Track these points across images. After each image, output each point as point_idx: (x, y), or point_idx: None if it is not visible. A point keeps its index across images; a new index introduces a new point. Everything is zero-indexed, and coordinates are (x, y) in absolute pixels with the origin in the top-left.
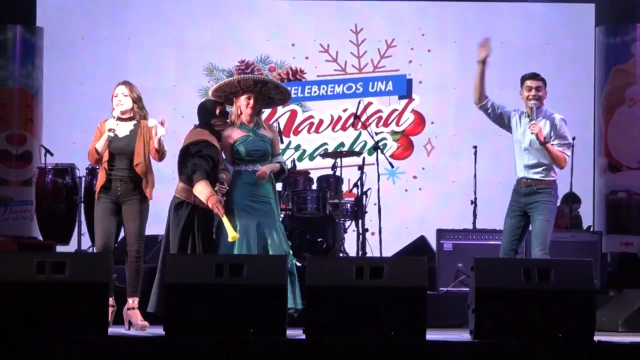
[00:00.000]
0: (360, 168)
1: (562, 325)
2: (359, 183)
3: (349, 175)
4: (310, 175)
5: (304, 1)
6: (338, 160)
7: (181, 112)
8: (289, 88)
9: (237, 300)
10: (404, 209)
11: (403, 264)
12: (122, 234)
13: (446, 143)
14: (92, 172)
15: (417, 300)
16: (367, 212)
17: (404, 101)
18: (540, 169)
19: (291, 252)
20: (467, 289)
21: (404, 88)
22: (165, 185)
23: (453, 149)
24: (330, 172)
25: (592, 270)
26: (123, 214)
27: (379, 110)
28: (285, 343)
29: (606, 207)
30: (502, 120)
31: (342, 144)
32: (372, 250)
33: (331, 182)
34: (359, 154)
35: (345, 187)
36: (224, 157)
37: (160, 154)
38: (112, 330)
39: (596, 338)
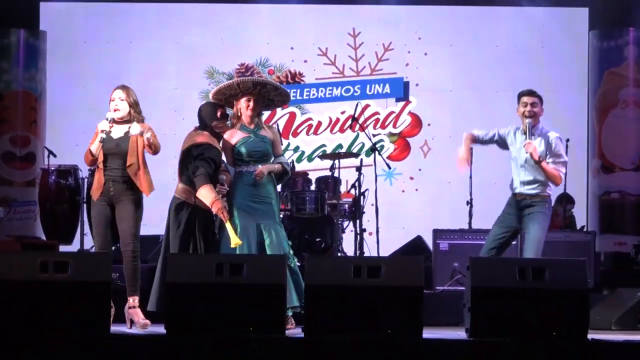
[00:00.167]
0: (358, 169)
1: (557, 324)
2: (356, 184)
3: (346, 176)
4: (309, 176)
5: (302, 5)
6: (336, 161)
7: (182, 115)
8: (288, 90)
9: (237, 300)
10: (401, 210)
11: (400, 264)
12: None
13: (442, 145)
14: (94, 173)
15: (414, 299)
16: (364, 212)
17: (401, 103)
18: (535, 185)
19: (292, 252)
20: (463, 288)
21: (401, 90)
22: (165, 186)
23: (449, 150)
24: (328, 173)
25: (585, 269)
26: (116, 214)
27: (377, 113)
28: (284, 341)
29: (600, 208)
30: (499, 144)
31: (340, 146)
32: (369, 250)
33: (329, 183)
34: (356, 155)
35: (343, 188)
36: (224, 158)
37: (154, 149)
38: (114, 328)
39: (590, 336)
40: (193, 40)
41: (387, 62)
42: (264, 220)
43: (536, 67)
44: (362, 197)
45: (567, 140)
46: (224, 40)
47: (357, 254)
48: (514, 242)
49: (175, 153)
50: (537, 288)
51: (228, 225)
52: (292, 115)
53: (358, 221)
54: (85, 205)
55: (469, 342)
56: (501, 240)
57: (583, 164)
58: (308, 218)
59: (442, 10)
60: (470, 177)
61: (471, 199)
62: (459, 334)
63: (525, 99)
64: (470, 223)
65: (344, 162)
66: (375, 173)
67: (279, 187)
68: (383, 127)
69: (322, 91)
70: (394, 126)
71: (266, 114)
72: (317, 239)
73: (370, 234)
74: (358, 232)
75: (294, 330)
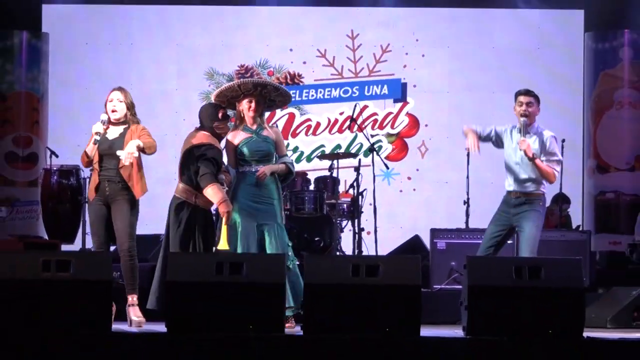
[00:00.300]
0: (356, 169)
1: (552, 322)
2: (355, 184)
3: (345, 176)
4: (308, 177)
5: (301, 8)
6: (335, 161)
7: (182, 115)
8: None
9: (237, 298)
10: (399, 209)
11: (398, 263)
12: None
13: (439, 145)
14: None
15: (411, 298)
16: (362, 212)
17: (399, 104)
18: (530, 183)
19: (292, 253)
20: (460, 287)
21: (398, 92)
22: (165, 186)
23: (446, 150)
24: (327, 173)
25: (581, 268)
26: (112, 213)
27: (375, 114)
28: (283, 339)
29: (595, 207)
30: (498, 142)
31: (338, 146)
32: (367, 249)
33: (328, 183)
34: (355, 155)
35: (341, 188)
36: (224, 159)
37: (150, 151)
38: (115, 327)
39: (585, 334)
40: (193, 42)
41: (385, 63)
42: (265, 221)
43: (532, 69)
44: (360, 197)
45: (563, 141)
46: (223, 41)
47: (356, 253)
48: (510, 242)
49: (176, 153)
50: (533, 287)
51: (224, 230)
52: (291, 116)
53: (356, 221)
54: (86, 205)
55: (466, 340)
56: (497, 239)
57: (579, 165)
58: (307, 217)
59: (439, 12)
60: (467, 177)
61: (468, 199)
62: (456, 332)
63: (521, 98)
64: (467, 222)
65: (343, 162)
66: (374, 173)
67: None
68: (381, 127)
69: (320, 92)
70: (392, 127)
71: (265, 115)
72: (316, 238)
73: (369, 233)
74: (356, 231)
75: (294, 329)
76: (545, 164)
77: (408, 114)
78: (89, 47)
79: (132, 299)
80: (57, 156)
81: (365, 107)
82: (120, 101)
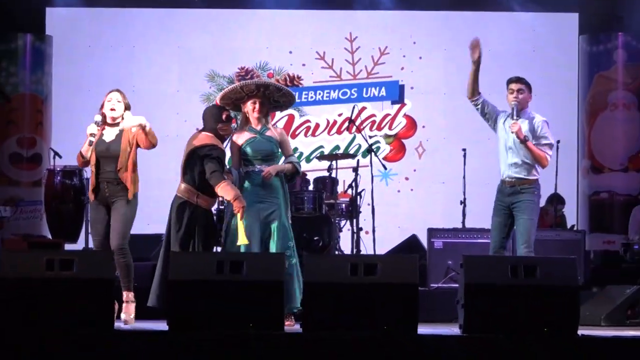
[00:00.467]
0: (355, 170)
1: (548, 320)
2: (353, 184)
3: (344, 177)
4: (307, 177)
5: (301, 11)
6: (333, 162)
7: (184, 117)
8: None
9: (237, 296)
10: (397, 209)
11: (395, 262)
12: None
13: (436, 146)
14: None
15: (409, 296)
16: (361, 212)
17: (397, 106)
18: (522, 168)
19: (295, 252)
20: (457, 285)
21: (396, 93)
22: (166, 186)
23: (443, 151)
24: (326, 173)
25: (576, 267)
26: (111, 213)
27: (373, 115)
28: (283, 337)
29: (589, 207)
30: (489, 117)
31: (337, 147)
32: (366, 249)
33: (327, 183)
34: (353, 156)
35: (340, 188)
36: (227, 160)
37: (150, 141)
38: (118, 324)
39: (580, 332)
40: (194, 45)
41: (383, 65)
42: (269, 220)
43: (527, 71)
44: (358, 197)
45: (558, 142)
46: (224, 44)
47: (354, 252)
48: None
49: (177, 154)
50: (529, 285)
51: (240, 224)
52: (291, 118)
53: (355, 220)
54: (88, 204)
55: (463, 338)
56: (505, 228)
57: (573, 165)
58: (306, 217)
59: (436, 15)
60: (464, 178)
61: (464, 199)
62: (453, 330)
63: (512, 85)
64: (463, 222)
65: (341, 163)
66: (372, 173)
67: None
68: (379, 129)
69: (319, 94)
70: (390, 128)
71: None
72: (315, 238)
73: (367, 232)
74: (355, 231)
75: (293, 328)
76: (536, 147)
77: (405, 116)
78: (91, 49)
79: (127, 296)
80: (60, 157)
81: (364, 108)
82: (119, 101)
